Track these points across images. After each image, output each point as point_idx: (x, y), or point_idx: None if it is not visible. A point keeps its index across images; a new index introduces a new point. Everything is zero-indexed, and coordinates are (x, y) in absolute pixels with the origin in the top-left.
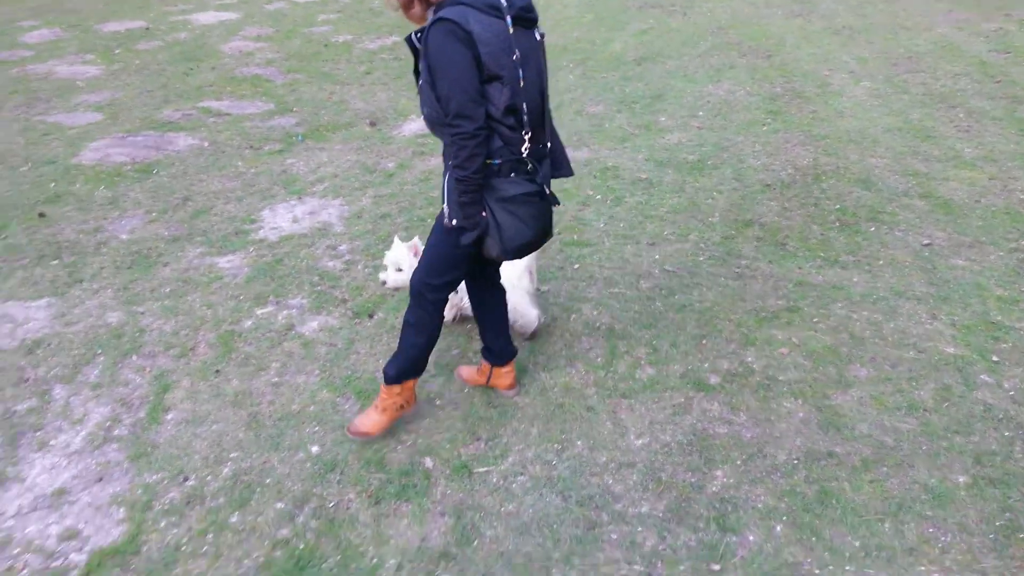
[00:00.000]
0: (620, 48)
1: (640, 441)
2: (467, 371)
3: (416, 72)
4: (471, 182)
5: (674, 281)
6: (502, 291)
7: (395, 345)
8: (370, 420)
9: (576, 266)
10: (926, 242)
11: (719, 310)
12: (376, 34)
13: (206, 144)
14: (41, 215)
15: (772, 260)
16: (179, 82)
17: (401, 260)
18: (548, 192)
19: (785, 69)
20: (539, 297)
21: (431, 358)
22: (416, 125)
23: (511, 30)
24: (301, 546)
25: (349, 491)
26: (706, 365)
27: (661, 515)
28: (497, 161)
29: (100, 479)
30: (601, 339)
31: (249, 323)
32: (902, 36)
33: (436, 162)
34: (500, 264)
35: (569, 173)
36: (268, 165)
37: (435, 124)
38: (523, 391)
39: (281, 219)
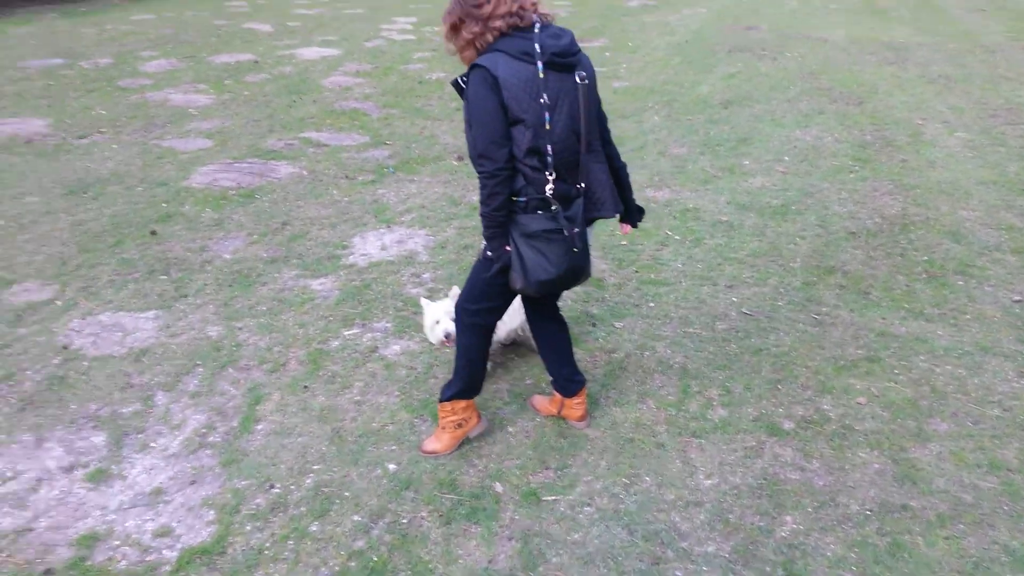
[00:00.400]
0: (707, 91)
1: (709, 481)
2: (540, 401)
3: None
4: (492, 218)
5: (751, 324)
6: (561, 323)
7: None
8: (435, 439)
9: (652, 304)
10: (1017, 298)
11: (796, 356)
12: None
13: (305, 173)
14: (153, 233)
15: (854, 309)
16: (283, 113)
17: (452, 310)
18: (569, 232)
19: (876, 117)
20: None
21: (505, 386)
22: None
23: (542, 75)
24: (374, 558)
25: (422, 509)
26: (780, 410)
27: (727, 556)
28: (523, 199)
29: (194, 482)
30: (674, 377)
31: (337, 343)
32: (1002, 86)
33: None
34: (556, 298)
35: (611, 214)
36: (361, 194)
37: (473, 161)
38: (594, 424)
39: (371, 246)
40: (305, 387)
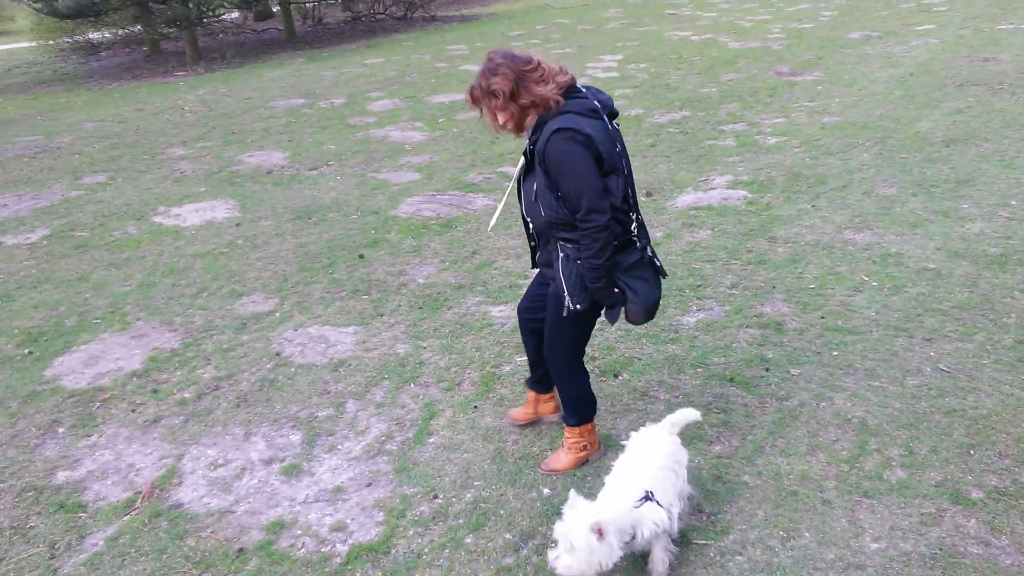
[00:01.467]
0: (928, 128)
1: (876, 545)
2: (516, 412)
3: (518, 180)
4: (603, 268)
5: (947, 382)
6: None
7: (635, 405)
8: (558, 459)
9: (835, 353)
10: None
11: (996, 420)
12: (666, 108)
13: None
14: (361, 256)
15: None
16: (485, 149)
17: (574, 537)
18: (655, 257)
19: None
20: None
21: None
22: (690, 198)
23: (611, 127)
24: None
25: None
26: (969, 477)
27: None
28: (615, 242)
29: (370, 484)
30: (851, 432)
31: (508, 368)
32: None
33: (703, 234)
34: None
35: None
36: None
37: (555, 225)
38: (756, 473)
39: None
40: (475, 407)
